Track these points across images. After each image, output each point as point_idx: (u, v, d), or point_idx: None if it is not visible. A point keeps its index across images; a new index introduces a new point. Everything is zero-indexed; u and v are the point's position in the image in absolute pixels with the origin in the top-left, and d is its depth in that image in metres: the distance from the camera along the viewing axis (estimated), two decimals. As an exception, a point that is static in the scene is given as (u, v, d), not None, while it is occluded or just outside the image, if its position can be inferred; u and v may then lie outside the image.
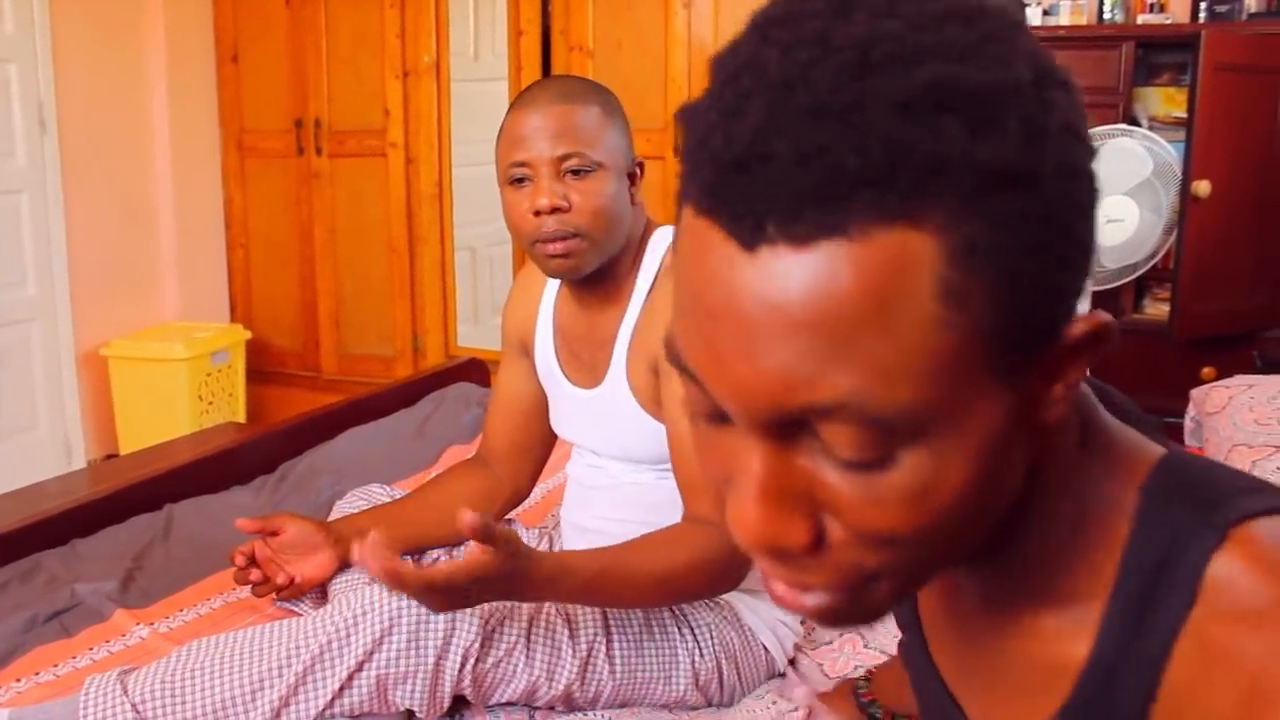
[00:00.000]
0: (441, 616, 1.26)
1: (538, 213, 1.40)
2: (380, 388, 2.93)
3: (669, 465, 1.45)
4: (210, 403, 4.11)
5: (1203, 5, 3.38)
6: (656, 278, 1.49)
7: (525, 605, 1.34)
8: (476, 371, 2.97)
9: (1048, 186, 0.47)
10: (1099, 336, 0.51)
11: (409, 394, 2.81)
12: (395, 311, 4.28)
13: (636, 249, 1.51)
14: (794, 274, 0.45)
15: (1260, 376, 2.29)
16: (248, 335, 4.36)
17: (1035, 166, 0.46)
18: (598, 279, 1.49)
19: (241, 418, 4.26)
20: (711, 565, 1.30)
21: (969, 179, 0.45)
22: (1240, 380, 2.25)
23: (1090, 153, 0.50)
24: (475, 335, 4.20)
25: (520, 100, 1.46)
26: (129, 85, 4.22)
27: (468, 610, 1.27)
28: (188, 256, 4.46)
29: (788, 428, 0.49)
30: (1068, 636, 0.56)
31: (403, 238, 4.20)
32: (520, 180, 1.42)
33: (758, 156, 0.45)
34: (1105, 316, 0.51)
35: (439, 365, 3.24)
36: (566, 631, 1.34)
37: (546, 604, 1.35)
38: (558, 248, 1.41)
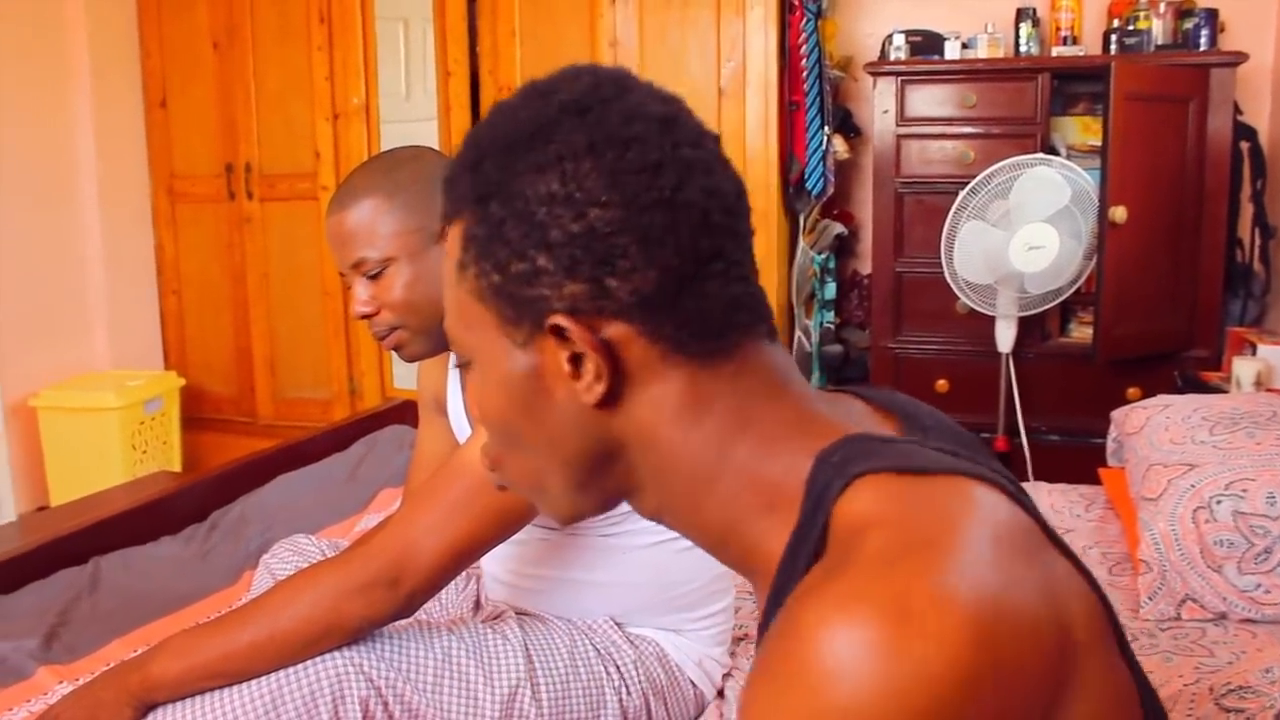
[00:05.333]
0: (325, 675, 1.27)
1: (358, 319, 1.48)
2: (314, 432, 2.91)
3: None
4: (144, 451, 4.06)
5: (1113, 37, 3.49)
6: None
7: (432, 651, 1.34)
8: (411, 413, 2.95)
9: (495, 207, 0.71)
10: (562, 332, 0.69)
11: (343, 437, 2.80)
12: (330, 355, 4.26)
13: None
14: None
15: (1176, 396, 2.35)
16: (182, 382, 4.32)
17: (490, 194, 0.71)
18: None
19: (177, 466, 4.21)
20: (315, 622, 1.28)
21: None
22: (1158, 401, 2.31)
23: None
24: (411, 377, 4.13)
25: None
26: (55, 132, 4.18)
27: (352, 663, 1.28)
28: (119, 304, 4.41)
29: None
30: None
31: (336, 280, 4.18)
32: (351, 286, 1.49)
33: None
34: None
35: (373, 408, 3.23)
36: (481, 676, 1.35)
37: (454, 649, 1.35)
38: (387, 343, 1.49)
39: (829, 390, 0.81)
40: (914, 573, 0.58)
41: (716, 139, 0.75)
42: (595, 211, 0.68)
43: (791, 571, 0.67)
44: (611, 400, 0.71)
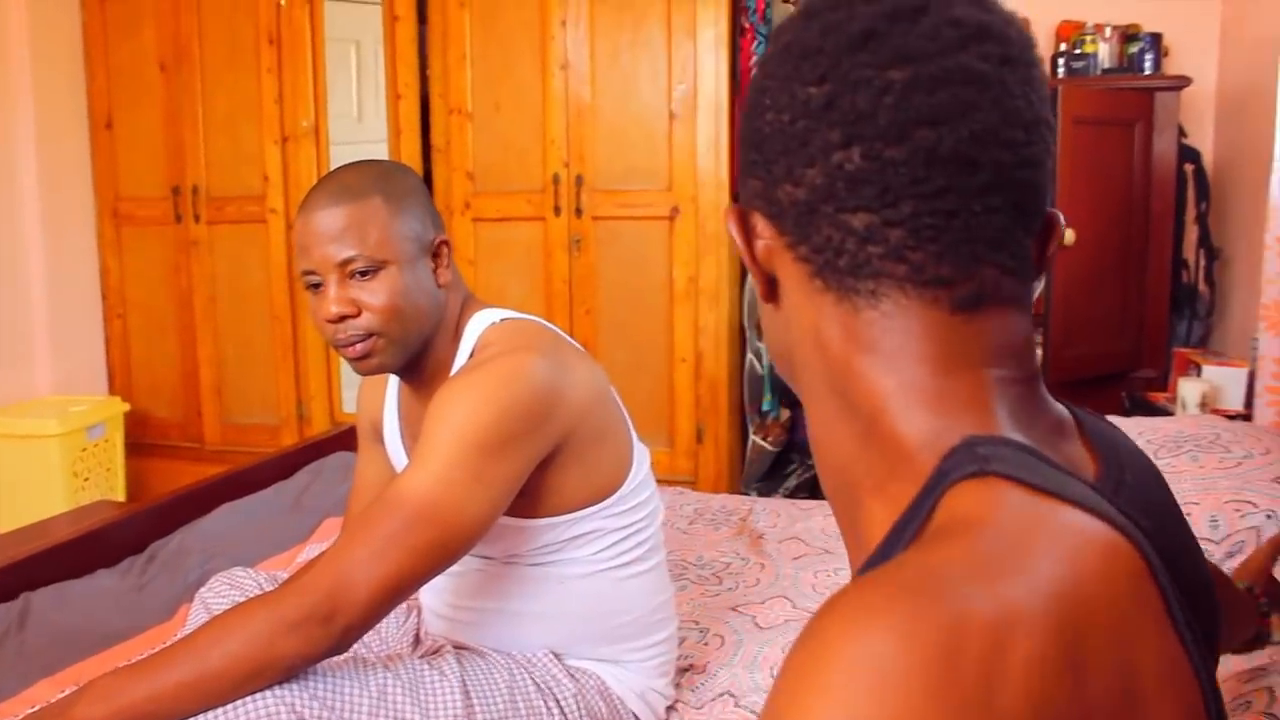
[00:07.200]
0: (256, 715, 1.23)
1: (330, 320, 1.40)
2: (259, 459, 2.86)
3: (513, 553, 1.45)
4: (87, 479, 3.97)
5: (1060, 60, 3.52)
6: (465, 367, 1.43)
7: (367, 689, 1.30)
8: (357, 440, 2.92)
9: None
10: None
11: (289, 464, 2.76)
12: (279, 379, 4.20)
13: (454, 330, 1.49)
14: None
15: (1124, 420, 2.35)
16: (126, 408, 4.24)
17: None
18: (417, 366, 1.48)
19: (121, 494, 4.13)
20: (251, 660, 1.24)
21: None
22: (1104, 423, 2.31)
23: None
24: (363, 400, 4.13)
25: (304, 203, 1.42)
26: (-4, 154, 4.11)
27: (283, 702, 1.24)
28: (62, 328, 4.32)
29: None
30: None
31: (284, 304, 4.13)
32: (315, 286, 1.41)
33: None
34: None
35: (320, 434, 3.18)
36: (418, 714, 1.31)
37: (389, 687, 1.32)
38: (355, 350, 1.41)
39: (1056, 400, 0.70)
40: (947, 592, 0.51)
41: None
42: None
43: (890, 545, 0.61)
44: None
